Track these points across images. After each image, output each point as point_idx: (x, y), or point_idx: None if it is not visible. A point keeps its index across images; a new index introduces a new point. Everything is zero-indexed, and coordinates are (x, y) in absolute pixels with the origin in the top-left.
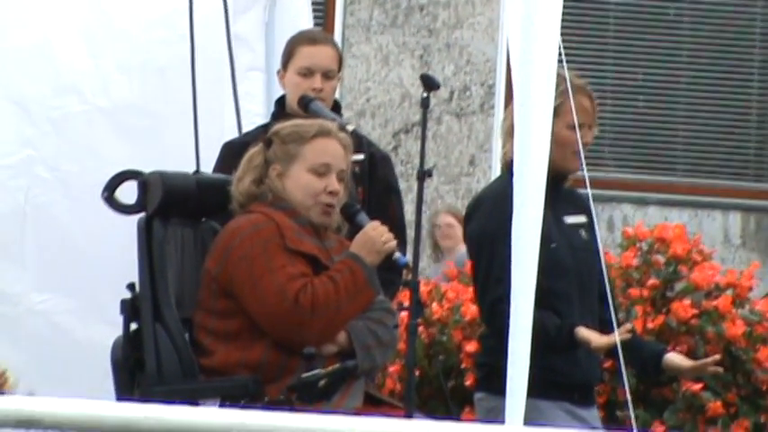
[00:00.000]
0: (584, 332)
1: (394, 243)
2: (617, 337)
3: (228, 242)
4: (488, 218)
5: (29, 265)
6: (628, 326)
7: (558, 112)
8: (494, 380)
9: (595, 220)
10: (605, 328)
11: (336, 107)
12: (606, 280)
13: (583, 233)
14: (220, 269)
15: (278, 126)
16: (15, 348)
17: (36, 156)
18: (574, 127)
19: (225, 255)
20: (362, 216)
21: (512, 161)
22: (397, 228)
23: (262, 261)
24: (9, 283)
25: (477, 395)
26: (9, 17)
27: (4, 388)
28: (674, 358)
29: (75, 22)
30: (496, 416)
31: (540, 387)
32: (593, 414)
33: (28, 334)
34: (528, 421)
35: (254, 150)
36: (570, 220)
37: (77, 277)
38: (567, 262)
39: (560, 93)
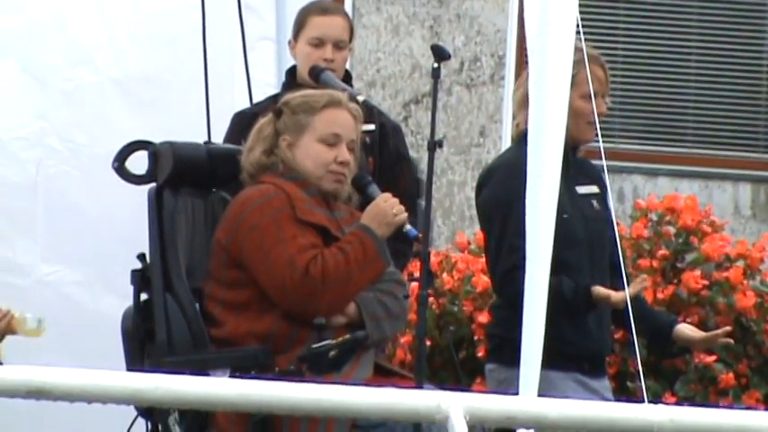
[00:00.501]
0: (600, 290)
1: (405, 215)
2: (632, 289)
3: (239, 212)
4: (501, 187)
5: (40, 237)
6: (643, 276)
7: (572, 82)
8: (505, 351)
9: (609, 190)
10: None
11: (347, 77)
12: (619, 250)
13: (595, 203)
14: (230, 239)
15: (288, 96)
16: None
17: (49, 127)
18: (588, 97)
19: (235, 225)
20: (374, 188)
21: (525, 132)
22: (409, 197)
23: (272, 231)
24: (20, 253)
25: (489, 366)
26: None
27: (12, 327)
28: (685, 329)
29: None
30: (508, 387)
31: (550, 358)
32: (605, 385)
33: (37, 304)
34: (538, 392)
35: (264, 121)
36: (582, 190)
37: (88, 248)
38: (579, 232)
39: (575, 63)
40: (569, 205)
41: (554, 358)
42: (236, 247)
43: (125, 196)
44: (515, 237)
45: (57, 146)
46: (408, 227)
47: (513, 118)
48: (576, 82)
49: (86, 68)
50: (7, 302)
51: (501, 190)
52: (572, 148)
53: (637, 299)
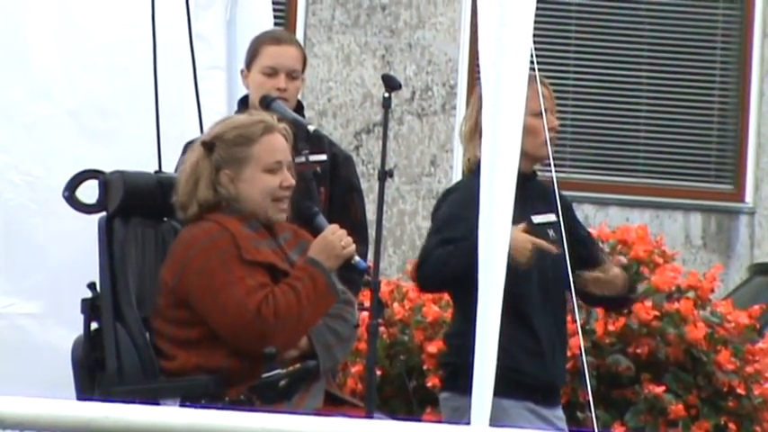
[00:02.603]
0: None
1: (353, 248)
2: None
3: (184, 254)
4: (453, 203)
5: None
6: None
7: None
8: (459, 379)
9: (561, 220)
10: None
11: (299, 107)
12: (571, 281)
13: (551, 232)
14: (177, 281)
15: (217, 129)
16: None
17: (10, 161)
18: (538, 114)
19: (181, 267)
20: (321, 219)
21: (477, 165)
22: (360, 228)
23: (220, 274)
24: None
25: (443, 395)
26: None
27: None
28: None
29: (47, 26)
30: (462, 415)
31: (503, 386)
32: (558, 414)
33: None
34: (491, 421)
35: (198, 156)
36: (538, 219)
37: (43, 280)
38: (533, 265)
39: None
40: None
41: (507, 387)
42: (184, 289)
43: (77, 226)
44: (448, 228)
45: (16, 179)
46: (357, 259)
47: (464, 153)
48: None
49: (45, 101)
50: None
51: (453, 206)
52: (528, 175)
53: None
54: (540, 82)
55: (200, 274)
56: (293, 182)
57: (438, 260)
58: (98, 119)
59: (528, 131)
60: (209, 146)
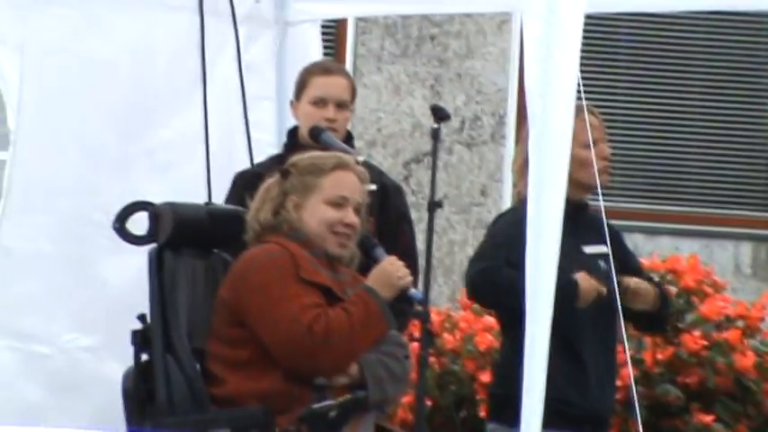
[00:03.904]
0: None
1: (410, 279)
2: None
3: (243, 270)
4: (501, 227)
5: (70, 308)
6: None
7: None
8: (506, 410)
9: (606, 250)
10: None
11: (349, 137)
12: (620, 313)
13: (602, 264)
14: (234, 297)
15: (296, 158)
16: (39, 385)
17: (98, 202)
18: (588, 146)
19: (239, 283)
20: (380, 250)
21: (525, 198)
22: (409, 257)
23: (276, 290)
24: (53, 323)
25: (490, 426)
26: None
27: None
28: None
29: (122, 67)
30: None
31: (552, 418)
32: None
33: (51, 371)
34: None
35: (272, 181)
36: (590, 249)
37: (100, 313)
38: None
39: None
40: (573, 265)
41: (556, 419)
42: (240, 304)
43: (138, 259)
44: (497, 249)
45: (96, 218)
46: (413, 290)
47: (514, 186)
48: (573, 134)
49: (132, 143)
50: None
51: (501, 229)
52: (577, 205)
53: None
54: (590, 111)
55: (256, 290)
56: (356, 221)
57: (508, 280)
58: (163, 155)
59: (579, 163)
60: (284, 172)
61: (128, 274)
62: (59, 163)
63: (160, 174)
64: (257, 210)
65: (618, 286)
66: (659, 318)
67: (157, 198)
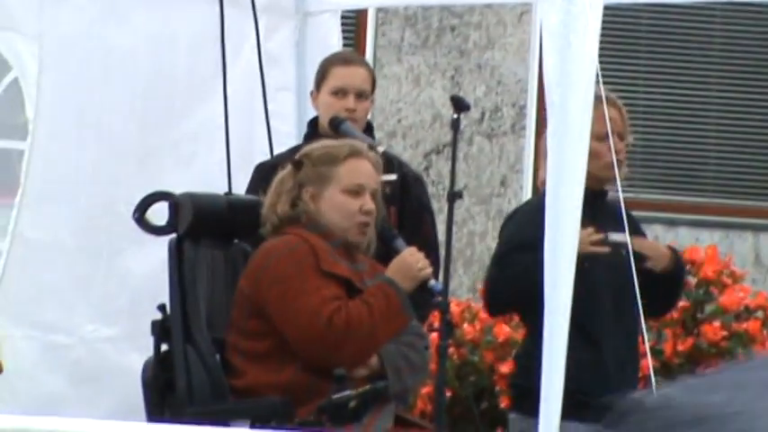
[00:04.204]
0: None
1: (430, 270)
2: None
3: (263, 262)
4: (519, 227)
5: (94, 300)
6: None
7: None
8: (526, 401)
9: (629, 240)
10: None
11: (369, 128)
12: (639, 302)
13: (623, 252)
14: (254, 289)
15: (307, 148)
16: (60, 375)
17: (119, 194)
18: (603, 138)
19: (259, 275)
20: (400, 241)
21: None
22: (430, 248)
23: (296, 282)
24: (76, 314)
25: (511, 416)
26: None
27: None
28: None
29: (142, 60)
30: None
31: (572, 409)
32: None
33: (72, 361)
34: None
35: (285, 173)
36: (615, 237)
37: (123, 304)
38: (601, 281)
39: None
40: (590, 255)
41: (576, 409)
42: (260, 296)
43: (159, 250)
44: (518, 245)
45: (122, 210)
46: (433, 282)
47: (538, 169)
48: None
49: (154, 134)
50: (52, 361)
51: (519, 230)
52: (594, 193)
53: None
54: (612, 103)
55: (276, 282)
56: (373, 207)
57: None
58: (184, 146)
59: (590, 155)
60: (297, 163)
61: (150, 265)
62: (79, 153)
63: (181, 164)
64: (274, 202)
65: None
66: (675, 282)
67: (178, 189)
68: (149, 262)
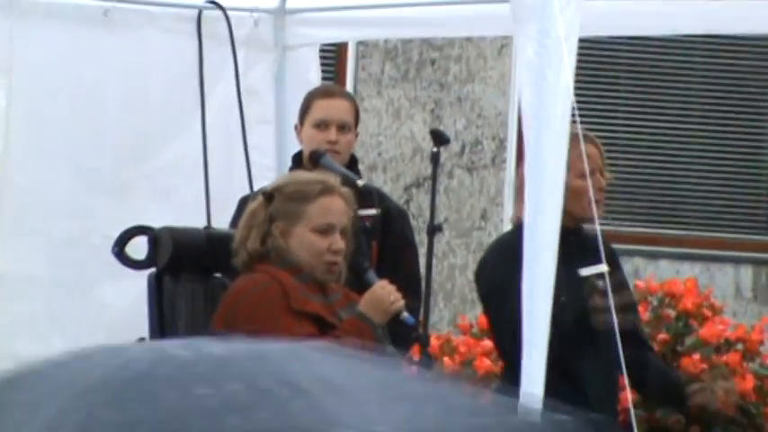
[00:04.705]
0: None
1: (402, 303)
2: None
3: (233, 303)
4: (497, 270)
5: (66, 332)
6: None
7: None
8: None
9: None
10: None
11: (353, 162)
12: (617, 334)
13: (601, 283)
14: (225, 329)
15: (280, 180)
16: None
17: (94, 226)
18: (584, 176)
19: (230, 316)
20: (371, 274)
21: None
22: (412, 282)
23: (267, 323)
24: (51, 347)
25: None
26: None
27: None
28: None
29: (117, 94)
30: None
31: None
32: None
33: None
34: None
35: (256, 205)
36: (586, 272)
37: (102, 338)
38: (574, 316)
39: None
40: (566, 288)
41: None
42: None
43: (138, 283)
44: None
45: (96, 242)
46: (406, 314)
47: (514, 208)
48: (568, 163)
49: (128, 167)
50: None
51: (496, 275)
52: (571, 230)
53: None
54: (590, 140)
55: (248, 323)
56: (342, 246)
57: None
58: (163, 179)
59: (573, 193)
60: (268, 196)
61: (127, 299)
62: (51, 186)
63: (159, 197)
64: (245, 237)
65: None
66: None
67: (157, 222)
68: (126, 295)
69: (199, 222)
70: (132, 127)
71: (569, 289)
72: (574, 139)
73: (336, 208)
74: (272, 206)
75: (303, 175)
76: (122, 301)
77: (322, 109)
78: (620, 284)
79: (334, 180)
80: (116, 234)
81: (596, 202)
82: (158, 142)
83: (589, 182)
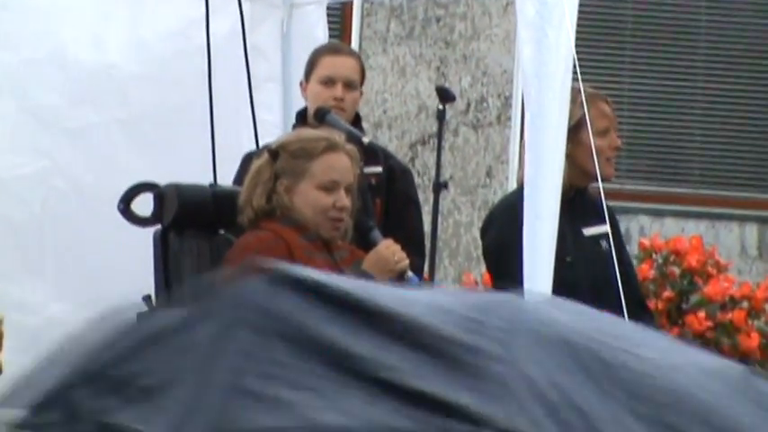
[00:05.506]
0: None
1: (407, 262)
2: None
3: (238, 261)
4: (501, 231)
5: (48, 275)
6: None
7: (582, 122)
8: None
9: (609, 230)
10: None
11: (357, 119)
12: (621, 292)
13: (604, 243)
14: None
15: (285, 139)
16: (29, 357)
17: (53, 166)
18: (601, 134)
19: None
20: (376, 233)
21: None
22: (416, 241)
23: None
24: (29, 292)
25: None
26: (23, 28)
27: None
28: None
29: (90, 33)
30: None
31: None
32: None
33: (45, 343)
34: None
35: (262, 162)
36: (589, 231)
37: (94, 289)
38: (582, 276)
39: (580, 104)
40: (573, 248)
41: None
42: None
43: (132, 237)
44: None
45: (61, 185)
46: (410, 274)
47: (521, 162)
48: (585, 122)
49: (89, 109)
50: (19, 341)
51: (502, 234)
52: (579, 190)
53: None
54: (603, 99)
55: None
56: (347, 203)
57: None
58: (151, 129)
59: (590, 152)
60: (273, 153)
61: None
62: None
63: (165, 154)
64: (250, 194)
65: None
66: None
67: (162, 178)
68: (116, 245)
69: (205, 179)
70: (141, 84)
71: (575, 248)
72: (590, 97)
73: (341, 165)
74: (277, 163)
75: (308, 132)
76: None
77: (328, 66)
78: (619, 246)
79: (339, 137)
80: (77, 177)
81: (609, 160)
82: (165, 99)
83: (591, 139)
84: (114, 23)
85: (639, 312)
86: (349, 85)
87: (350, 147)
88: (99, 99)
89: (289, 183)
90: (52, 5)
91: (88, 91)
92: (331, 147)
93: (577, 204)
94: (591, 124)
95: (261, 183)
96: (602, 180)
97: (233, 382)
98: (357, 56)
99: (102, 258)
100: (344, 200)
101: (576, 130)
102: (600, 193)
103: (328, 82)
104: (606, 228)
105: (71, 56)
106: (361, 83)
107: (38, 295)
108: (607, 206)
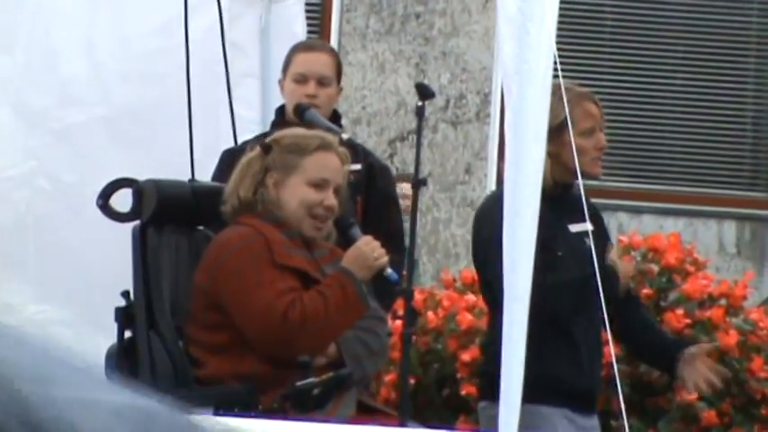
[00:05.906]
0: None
1: (386, 259)
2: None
3: (218, 256)
4: (487, 227)
5: (31, 277)
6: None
7: (568, 121)
8: (496, 388)
9: (590, 227)
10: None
11: (336, 117)
12: (600, 288)
13: (587, 241)
14: (210, 283)
15: (279, 134)
16: None
17: (38, 167)
18: (586, 134)
19: (214, 269)
20: (356, 230)
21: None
22: (395, 238)
23: (251, 276)
24: (10, 293)
25: (481, 404)
26: (16, 31)
27: None
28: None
29: (78, 33)
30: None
31: (543, 393)
32: (593, 423)
33: None
34: (530, 427)
35: (253, 155)
36: (575, 228)
37: (75, 287)
38: (573, 271)
39: (569, 102)
40: (562, 243)
41: (547, 394)
42: (216, 290)
43: (110, 234)
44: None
45: (46, 186)
46: (389, 270)
47: (500, 159)
48: (573, 121)
49: (75, 107)
50: None
51: (487, 230)
52: (565, 186)
53: (646, 320)
54: (590, 98)
55: (231, 276)
56: (335, 204)
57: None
58: (132, 126)
59: (577, 152)
60: (266, 147)
61: (100, 247)
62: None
63: (148, 150)
64: (237, 185)
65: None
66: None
67: (141, 174)
68: (97, 242)
69: (183, 175)
70: (122, 79)
71: (564, 243)
72: (578, 96)
73: (333, 165)
74: (269, 157)
75: (301, 129)
76: (89, 249)
77: (301, 63)
78: (603, 244)
79: (333, 138)
80: (60, 177)
81: (595, 160)
82: (142, 94)
83: (573, 138)
84: (97, 21)
85: (627, 302)
86: (322, 82)
87: (342, 149)
88: (84, 98)
89: (279, 177)
90: (39, 7)
91: (74, 91)
92: (324, 145)
93: (563, 201)
94: (577, 124)
95: (250, 174)
96: (590, 179)
97: None
98: (332, 51)
99: (82, 257)
100: (332, 199)
101: (559, 129)
102: (581, 191)
103: (301, 79)
104: (589, 226)
105: (61, 57)
106: (338, 79)
107: (18, 296)
108: (591, 204)
